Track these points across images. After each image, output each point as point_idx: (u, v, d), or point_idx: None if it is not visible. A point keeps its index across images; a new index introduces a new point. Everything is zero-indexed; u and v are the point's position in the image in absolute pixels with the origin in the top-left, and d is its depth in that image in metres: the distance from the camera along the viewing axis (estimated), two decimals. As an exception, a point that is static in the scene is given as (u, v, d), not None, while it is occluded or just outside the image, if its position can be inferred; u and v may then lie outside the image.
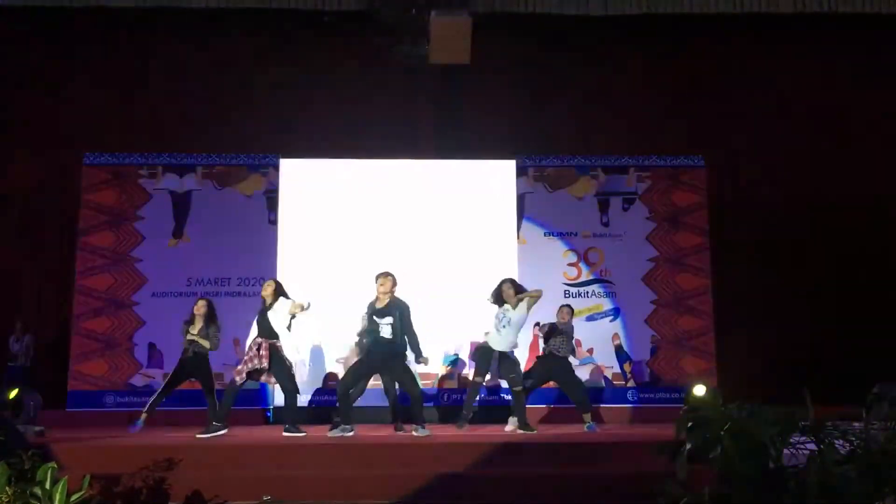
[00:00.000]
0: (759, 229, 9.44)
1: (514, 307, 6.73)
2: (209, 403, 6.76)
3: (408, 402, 6.53)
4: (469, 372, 7.81)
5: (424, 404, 6.58)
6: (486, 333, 6.93)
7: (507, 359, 6.77)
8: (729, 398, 3.33)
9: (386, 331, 6.28)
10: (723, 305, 8.69)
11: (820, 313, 9.15)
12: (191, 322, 6.90)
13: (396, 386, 6.90)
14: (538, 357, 7.31)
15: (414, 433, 6.14)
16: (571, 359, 7.21)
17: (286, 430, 6.41)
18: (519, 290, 6.80)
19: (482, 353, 6.87)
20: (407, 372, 6.45)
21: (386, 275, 6.41)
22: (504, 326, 6.73)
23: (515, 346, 6.90)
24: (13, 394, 6.76)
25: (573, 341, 7.26)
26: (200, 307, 6.92)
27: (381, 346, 6.32)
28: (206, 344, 6.78)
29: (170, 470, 4.98)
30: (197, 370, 6.85)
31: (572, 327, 7.26)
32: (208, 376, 6.87)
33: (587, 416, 6.89)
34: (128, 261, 8.48)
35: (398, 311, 6.30)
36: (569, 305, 7.39)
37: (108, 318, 8.34)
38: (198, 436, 6.18)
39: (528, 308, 6.80)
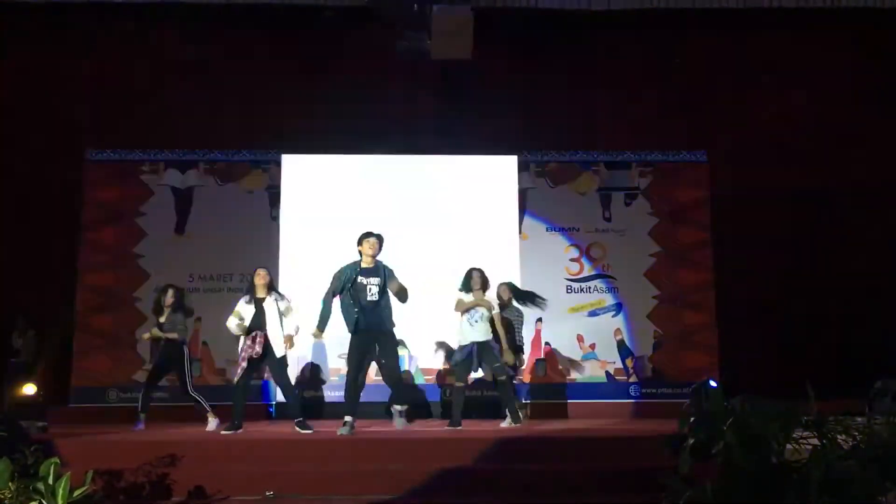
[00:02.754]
0: (762, 224, 9.41)
1: (482, 302, 6.71)
2: (192, 400, 6.70)
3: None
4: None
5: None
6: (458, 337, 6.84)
7: (487, 349, 6.66)
8: (731, 393, 3.32)
9: (373, 291, 6.15)
10: (725, 300, 8.69)
11: (822, 308, 9.14)
12: (158, 312, 6.78)
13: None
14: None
15: (395, 422, 6.08)
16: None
17: (297, 426, 6.37)
18: (486, 283, 6.78)
19: (461, 354, 6.74)
20: (396, 353, 6.30)
21: (374, 236, 6.25)
22: (476, 321, 6.67)
23: (490, 336, 6.78)
24: (27, 388, 6.73)
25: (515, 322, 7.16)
26: (170, 297, 6.78)
27: (368, 315, 6.12)
28: (173, 336, 6.68)
29: (172, 466, 4.97)
30: (172, 362, 6.78)
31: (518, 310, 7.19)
32: (183, 371, 6.76)
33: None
34: (130, 257, 8.50)
35: (384, 270, 6.21)
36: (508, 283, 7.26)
37: (111, 314, 8.38)
38: (223, 431, 6.28)
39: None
